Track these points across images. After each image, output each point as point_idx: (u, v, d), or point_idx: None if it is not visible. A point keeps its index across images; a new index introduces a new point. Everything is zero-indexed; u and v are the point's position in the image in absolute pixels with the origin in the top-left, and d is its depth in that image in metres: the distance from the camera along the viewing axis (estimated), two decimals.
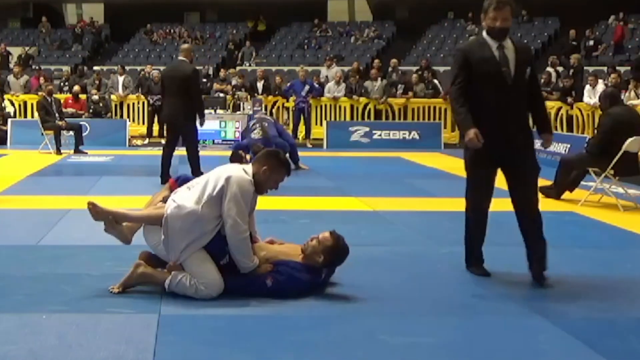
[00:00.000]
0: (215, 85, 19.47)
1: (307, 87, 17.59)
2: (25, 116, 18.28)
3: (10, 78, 19.37)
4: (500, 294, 5.05)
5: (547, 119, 5.49)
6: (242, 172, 4.86)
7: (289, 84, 18.39)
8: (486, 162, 5.36)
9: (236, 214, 4.70)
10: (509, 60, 5.18)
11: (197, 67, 21.70)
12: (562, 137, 13.36)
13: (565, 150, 12.44)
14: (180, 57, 10.35)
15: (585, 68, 20.14)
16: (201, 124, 10.31)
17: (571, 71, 18.50)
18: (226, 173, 4.83)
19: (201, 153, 13.11)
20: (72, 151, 14.59)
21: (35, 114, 15.78)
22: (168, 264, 4.86)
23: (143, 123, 18.55)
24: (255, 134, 11.80)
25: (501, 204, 8.42)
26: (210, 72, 23.95)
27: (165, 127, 10.62)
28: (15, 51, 29.03)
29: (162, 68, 23.51)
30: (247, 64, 27.89)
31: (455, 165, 13.14)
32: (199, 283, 4.67)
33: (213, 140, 16.38)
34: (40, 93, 16.22)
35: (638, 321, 4.51)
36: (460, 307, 4.70)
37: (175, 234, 4.76)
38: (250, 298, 4.66)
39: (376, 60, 21.48)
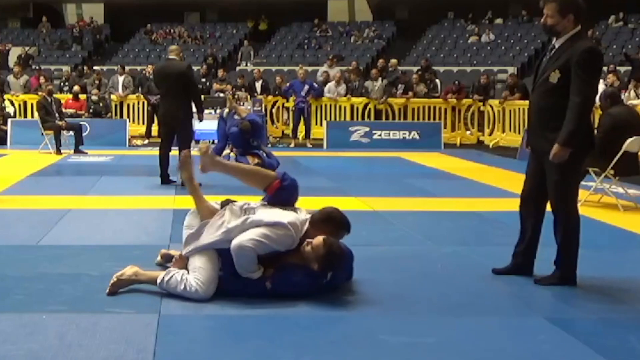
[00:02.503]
0: (215, 85, 19.46)
1: (306, 87, 17.57)
2: (25, 116, 18.27)
3: (10, 78, 19.37)
4: (500, 294, 5.04)
5: (564, 128, 4.92)
6: (294, 224, 4.78)
7: (288, 84, 18.35)
8: (531, 160, 5.37)
9: (254, 243, 4.64)
10: (548, 61, 5.12)
11: (198, 67, 21.86)
12: None
13: None
14: (171, 56, 10.18)
15: None
16: (200, 119, 10.28)
17: None
18: (278, 218, 4.78)
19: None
20: (72, 151, 14.58)
21: (35, 114, 15.77)
22: (175, 256, 4.87)
23: (143, 123, 18.53)
24: (236, 116, 12.10)
25: (501, 204, 8.45)
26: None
27: (160, 126, 10.55)
28: (15, 51, 29.07)
29: None
30: (246, 64, 27.91)
31: (455, 166, 13.16)
32: (192, 279, 4.64)
33: (213, 140, 16.36)
34: (40, 93, 16.22)
35: (638, 321, 4.50)
36: (460, 307, 4.70)
37: (211, 239, 4.77)
38: (250, 298, 4.65)
39: (380, 60, 21.47)
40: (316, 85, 18.16)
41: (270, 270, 4.77)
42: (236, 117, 12.09)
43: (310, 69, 22.10)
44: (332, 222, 4.86)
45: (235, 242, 4.67)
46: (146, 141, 17.40)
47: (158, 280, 4.74)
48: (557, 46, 5.11)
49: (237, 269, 4.70)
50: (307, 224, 4.85)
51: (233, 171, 5.38)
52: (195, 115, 10.24)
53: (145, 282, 4.81)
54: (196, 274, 4.67)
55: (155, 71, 11.06)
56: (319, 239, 4.68)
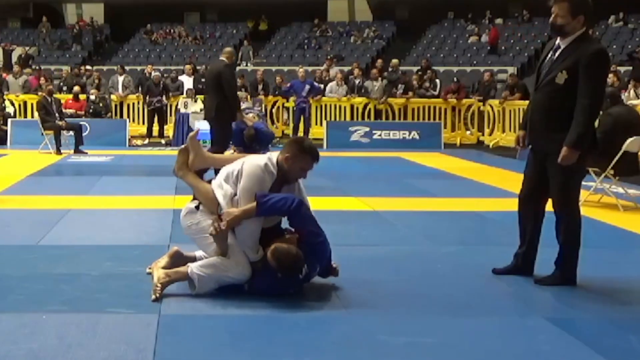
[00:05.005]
0: None
1: (307, 87, 17.57)
2: (25, 116, 18.27)
3: (9, 78, 19.35)
4: (500, 294, 5.05)
5: (573, 130, 4.91)
6: (258, 160, 4.83)
7: (288, 85, 18.35)
8: (530, 161, 5.33)
9: (241, 202, 4.70)
10: (552, 61, 5.07)
11: (197, 67, 21.83)
12: None
13: None
14: (221, 57, 10.51)
15: None
16: (234, 119, 10.32)
17: None
18: (242, 162, 4.83)
19: None
20: (72, 151, 14.58)
21: (35, 114, 15.78)
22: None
23: (143, 123, 18.53)
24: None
25: (501, 204, 8.45)
26: None
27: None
28: (16, 51, 29.08)
29: (162, 68, 23.78)
30: (246, 64, 27.90)
31: (455, 165, 13.16)
32: (234, 263, 4.66)
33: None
34: (40, 93, 16.22)
35: (638, 321, 4.51)
36: (460, 307, 4.70)
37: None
38: (250, 298, 4.66)
39: (379, 60, 21.47)
40: (317, 85, 18.18)
41: (259, 266, 4.75)
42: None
43: (310, 68, 22.11)
44: (297, 145, 4.88)
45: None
46: (146, 141, 17.41)
47: (192, 269, 4.70)
48: (562, 47, 5.07)
49: (242, 247, 4.72)
50: (275, 155, 4.89)
51: (216, 161, 5.35)
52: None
53: (179, 280, 4.77)
54: (238, 258, 4.71)
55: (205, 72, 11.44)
56: (269, 252, 4.64)
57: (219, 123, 10.14)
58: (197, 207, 4.91)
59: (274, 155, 4.88)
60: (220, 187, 4.84)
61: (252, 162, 4.81)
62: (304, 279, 4.78)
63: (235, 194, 4.77)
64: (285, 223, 5.02)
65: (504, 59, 26.75)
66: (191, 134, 5.30)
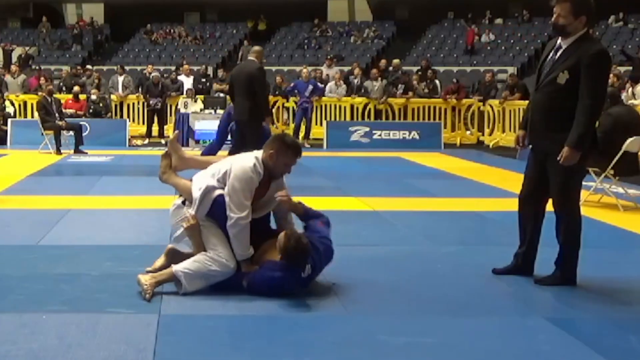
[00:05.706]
0: (215, 85, 19.46)
1: (310, 87, 17.58)
2: (25, 116, 18.26)
3: (8, 78, 19.34)
4: (500, 294, 5.05)
5: (574, 130, 4.90)
6: (246, 160, 4.89)
7: (292, 85, 18.36)
8: (531, 161, 5.33)
9: (230, 202, 4.77)
10: (553, 61, 5.07)
11: (197, 67, 21.83)
12: None
13: None
14: (250, 57, 10.29)
15: None
16: (266, 122, 10.27)
17: None
18: (231, 163, 4.91)
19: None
20: (72, 151, 14.58)
21: (35, 114, 15.78)
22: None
23: (143, 123, 18.53)
24: None
25: (501, 204, 8.45)
26: (210, 72, 23.97)
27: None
28: (16, 51, 29.10)
29: (162, 68, 23.79)
30: None
31: (455, 165, 13.16)
32: (216, 257, 4.72)
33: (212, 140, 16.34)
34: (40, 93, 16.21)
35: (638, 321, 4.51)
36: (460, 307, 4.70)
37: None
38: (250, 298, 4.66)
39: (383, 61, 21.48)
40: (320, 85, 18.19)
41: (255, 268, 4.80)
42: None
43: (310, 69, 22.11)
44: (280, 141, 4.97)
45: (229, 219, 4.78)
46: (146, 141, 17.41)
47: (174, 268, 4.73)
48: (564, 47, 5.06)
49: (234, 247, 4.78)
50: (261, 153, 4.97)
51: (198, 163, 5.41)
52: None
53: (165, 281, 4.79)
54: (219, 253, 4.76)
55: (231, 73, 11.09)
56: (283, 234, 4.70)
57: (252, 126, 9.99)
58: (183, 203, 5.08)
59: (259, 154, 4.94)
60: (199, 180, 4.94)
61: (241, 163, 4.88)
62: (306, 280, 4.78)
63: (215, 188, 4.85)
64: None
65: (504, 59, 26.76)
66: (171, 137, 5.39)
